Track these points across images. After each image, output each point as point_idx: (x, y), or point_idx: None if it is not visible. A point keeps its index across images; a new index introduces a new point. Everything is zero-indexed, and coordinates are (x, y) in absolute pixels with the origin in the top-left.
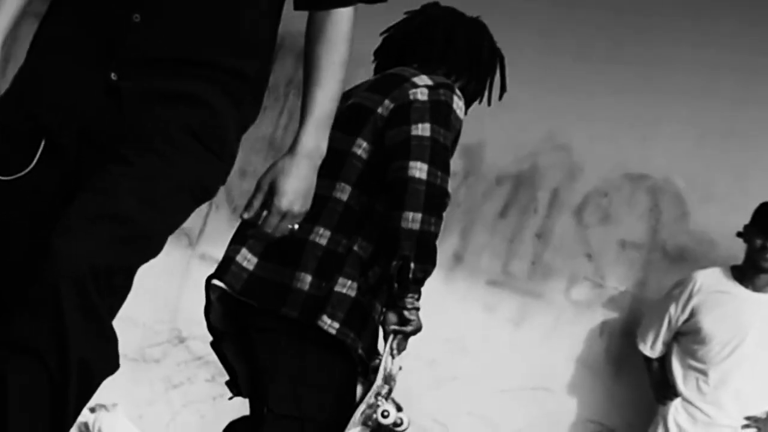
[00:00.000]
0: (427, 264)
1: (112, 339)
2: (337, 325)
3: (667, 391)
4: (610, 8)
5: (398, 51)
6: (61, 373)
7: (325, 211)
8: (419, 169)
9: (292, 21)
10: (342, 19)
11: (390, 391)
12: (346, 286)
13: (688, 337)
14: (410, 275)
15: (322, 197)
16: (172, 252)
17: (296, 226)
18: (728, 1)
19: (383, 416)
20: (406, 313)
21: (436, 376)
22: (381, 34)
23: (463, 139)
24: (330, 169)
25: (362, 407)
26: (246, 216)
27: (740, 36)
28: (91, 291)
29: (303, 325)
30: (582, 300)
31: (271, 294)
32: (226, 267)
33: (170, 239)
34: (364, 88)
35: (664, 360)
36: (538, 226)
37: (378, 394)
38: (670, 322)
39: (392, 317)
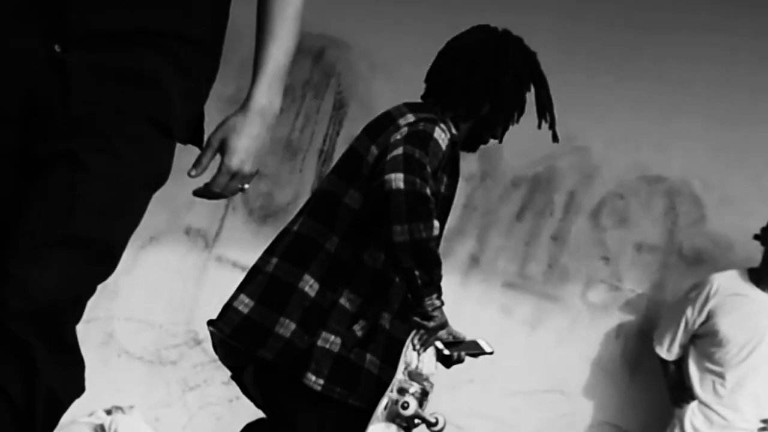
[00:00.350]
0: (430, 268)
1: (79, 364)
2: (322, 381)
3: (683, 393)
4: (625, 11)
5: (432, 81)
6: (28, 408)
7: (316, 261)
8: (395, 180)
9: (310, 22)
10: None
11: (424, 391)
12: (329, 342)
13: (704, 339)
14: (418, 283)
15: (315, 243)
16: (188, 254)
17: (246, 186)
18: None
19: (403, 408)
20: (430, 313)
21: (451, 378)
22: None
23: None
24: (326, 215)
25: (384, 401)
26: (193, 173)
27: (760, 37)
28: (57, 325)
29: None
30: (598, 303)
31: (253, 336)
32: (223, 313)
33: (186, 241)
34: (366, 126)
35: (681, 363)
36: (554, 228)
37: (402, 389)
38: (686, 324)
39: (415, 317)
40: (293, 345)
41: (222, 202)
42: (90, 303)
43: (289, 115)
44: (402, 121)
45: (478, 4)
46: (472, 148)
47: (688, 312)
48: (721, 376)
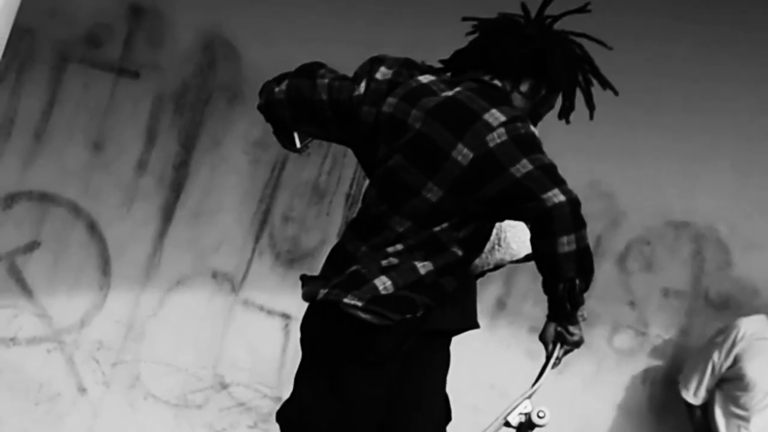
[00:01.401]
0: (589, 275)
1: None
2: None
3: None
4: (651, 54)
5: (477, 58)
6: None
7: (380, 235)
8: (555, 195)
9: (339, 64)
10: None
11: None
12: None
13: (731, 383)
14: (577, 291)
15: (379, 219)
16: (214, 297)
17: None
18: None
19: (539, 417)
20: (571, 327)
21: (478, 423)
22: (466, 34)
23: None
24: (394, 199)
25: (519, 409)
26: None
27: None
28: None
29: None
30: (625, 348)
31: None
32: None
33: (213, 285)
34: (429, 107)
35: (707, 407)
36: None
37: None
38: (713, 368)
39: (559, 330)
40: None
41: (249, 245)
42: (116, 346)
43: (316, 159)
44: (490, 119)
45: None
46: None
47: (715, 356)
48: (746, 420)
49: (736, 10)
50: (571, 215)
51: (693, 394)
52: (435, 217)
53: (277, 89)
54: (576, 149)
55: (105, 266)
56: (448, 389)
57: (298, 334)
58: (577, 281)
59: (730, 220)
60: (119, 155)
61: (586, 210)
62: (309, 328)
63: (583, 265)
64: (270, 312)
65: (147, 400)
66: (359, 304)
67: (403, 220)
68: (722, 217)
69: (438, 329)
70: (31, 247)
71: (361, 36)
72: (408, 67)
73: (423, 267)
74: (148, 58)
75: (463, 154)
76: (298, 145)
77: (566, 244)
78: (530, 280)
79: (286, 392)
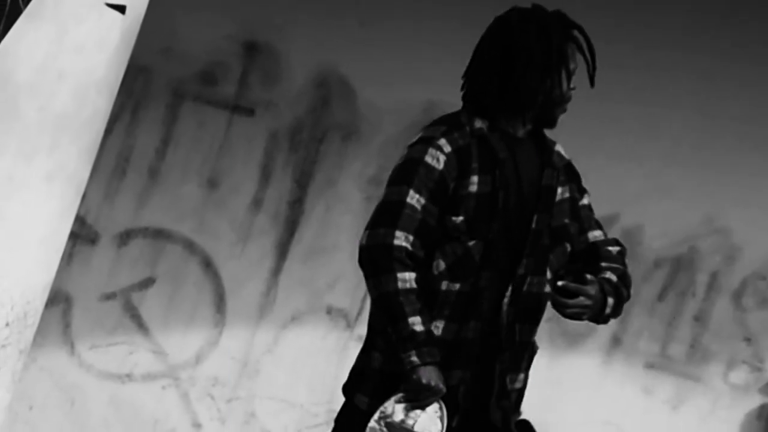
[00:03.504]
0: (396, 321)
1: None
2: None
3: None
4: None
5: None
6: None
7: None
8: (362, 238)
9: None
10: None
11: None
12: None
13: None
14: (393, 338)
15: None
16: (329, 334)
17: None
18: None
19: None
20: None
21: None
22: None
23: (621, 222)
24: None
25: None
26: None
27: None
28: None
29: None
30: (740, 383)
31: None
32: None
33: (328, 321)
34: None
35: None
36: (696, 309)
37: None
38: None
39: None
40: None
41: (363, 282)
42: (232, 382)
43: None
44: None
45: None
46: (547, 125)
47: None
48: None
49: None
50: (364, 261)
51: None
52: None
53: None
54: (690, 185)
55: (220, 303)
56: (564, 424)
57: None
58: (389, 328)
59: None
60: (234, 192)
61: (700, 246)
62: None
63: (388, 312)
64: None
65: None
66: None
67: None
68: None
69: None
70: (147, 284)
71: None
72: None
73: None
74: (263, 96)
75: None
76: None
77: (369, 288)
78: (645, 316)
79: None
